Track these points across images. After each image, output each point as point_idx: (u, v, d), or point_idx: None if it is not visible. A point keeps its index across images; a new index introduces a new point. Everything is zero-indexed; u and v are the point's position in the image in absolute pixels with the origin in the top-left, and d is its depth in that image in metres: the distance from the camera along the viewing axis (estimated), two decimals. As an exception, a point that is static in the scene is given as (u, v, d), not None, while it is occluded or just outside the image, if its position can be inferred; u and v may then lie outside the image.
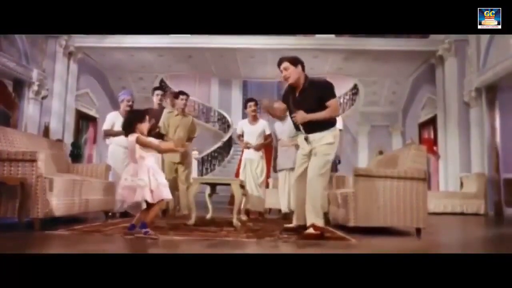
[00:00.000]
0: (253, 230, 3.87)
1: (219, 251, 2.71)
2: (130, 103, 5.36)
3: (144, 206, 3.31)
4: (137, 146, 3.14)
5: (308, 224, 3.42)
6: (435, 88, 10.13)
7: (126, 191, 3.13)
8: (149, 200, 3.10)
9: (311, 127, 3.50)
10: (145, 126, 3.28)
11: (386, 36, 9.36)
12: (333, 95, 3.51)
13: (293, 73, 3.51)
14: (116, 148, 5.22)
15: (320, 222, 3.40)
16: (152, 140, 3.37)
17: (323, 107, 3.45)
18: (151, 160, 3.21)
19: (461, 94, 9.17)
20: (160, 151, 3.52)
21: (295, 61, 3.54)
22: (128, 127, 3.24)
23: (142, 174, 3.09)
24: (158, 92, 5.64)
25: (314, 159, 3.49)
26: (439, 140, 9.99)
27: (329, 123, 3.53)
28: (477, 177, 8.39)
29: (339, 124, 5.23)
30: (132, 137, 3.17)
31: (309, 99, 3.50)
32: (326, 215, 4.16)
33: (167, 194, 3.21)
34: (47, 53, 9.42)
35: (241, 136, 5.69)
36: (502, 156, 8.25)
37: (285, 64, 3.53)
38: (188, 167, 5.48)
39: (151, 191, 3.09)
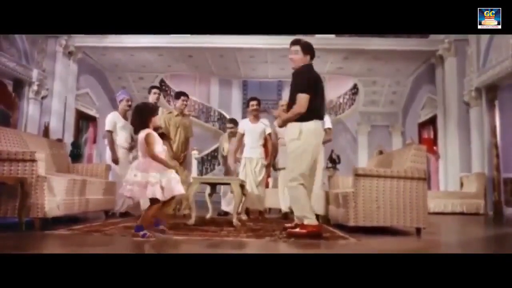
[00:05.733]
0: (253, 230, 3.87)
1: (219, 251, 2.71)
2: (130, 102, 5.39)
3: (145, 206, 3.28)
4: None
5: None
6: (435, 88, 10.13)
7: (136, 188, 3.02)
8: (160, 197, 3.02)
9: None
10: (157, 118, 3.27)
11: (386, 36, 9.36)
12: (301, 88, 3.35)
13: (297, 59, 3.48)
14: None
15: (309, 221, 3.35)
16: (159, 147, 3.17)
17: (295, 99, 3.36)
18: (161, 155, 3.15)
19: (461, 94, 9.18)
20: (162, 161, 3.23)
21: (306, 49, 3.49)
22: (141, 121, 3.16)
23: (152, 170, 3.02)
24: (155, 90, 5.63)
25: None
26: (439, 140, 9.99)
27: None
28: (477, 177, 8.39)
29: (328, 122, 5.25)
30: (143, 133, 3.10)
31: (291, 90, 3.46)
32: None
33: (179, 190, 3.12)
34: (47, 53, 9.42)
35: (243, 135, 5.69)
36: (502, 156, 8.25)
37: (296, 47, 3.48)
38: (187, 167, 5.49)
39: (162, 188, 3.02)
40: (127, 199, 5.21)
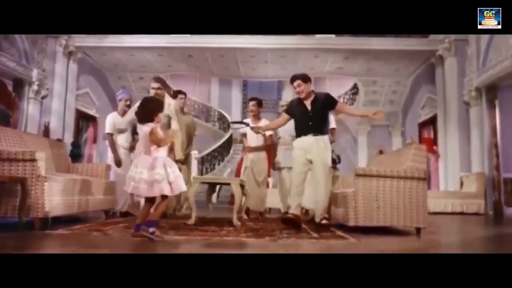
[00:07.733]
0: (253, 229, 3.87)
1: (219, 251, 2.71)
2: (128, 102, 5.37)
3: (142, 203, 3.24)
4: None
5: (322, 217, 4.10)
6: (435, 87, 10.13)
7: (143, 185, 2.98)
8: (168, 193, 3.01)
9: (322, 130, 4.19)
10: (162, 115, 3.21)
11: (386, 36, 9.36)
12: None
13: (305, 89, 4.06)
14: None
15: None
16: (162, 135, 3.15)
17: (327, 114, 4.23)
18: (164, 151, 3.13)
19: (461, 93, 9.18)
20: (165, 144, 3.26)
21: (306, 79, 4.08)
22: (147, 116, 3.11)
23: (158, 168, 2.99)
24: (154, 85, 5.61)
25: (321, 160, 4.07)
26: (439, 140, 9.99)
27: None
28: (477, 176, 8.39)
29: (332, 123, 5.25)
30: (148, 127, 3.06)
31: (321, 109, 4.14)
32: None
33: (184, 186, 3.13)
34: (47, 53, 9.42)
35: (244, 135, 5.69)
36: (502, 156, 8.25)
37: (298, 81, 4.04)
38: (189, 167, 5.49)
39: (170, 184, 3.00)
40: (129, 199, 5.22)
